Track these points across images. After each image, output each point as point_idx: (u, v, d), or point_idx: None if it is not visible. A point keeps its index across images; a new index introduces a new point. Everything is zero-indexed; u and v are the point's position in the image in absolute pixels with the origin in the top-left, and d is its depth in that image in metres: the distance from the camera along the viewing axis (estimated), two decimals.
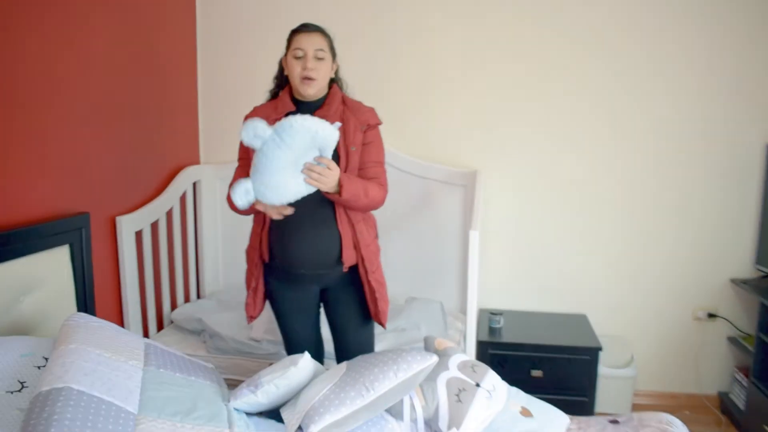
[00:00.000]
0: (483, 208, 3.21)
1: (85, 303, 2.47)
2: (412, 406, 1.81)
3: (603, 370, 3.11)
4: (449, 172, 3.27)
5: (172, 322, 3.15)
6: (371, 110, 2.16)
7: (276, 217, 1.95)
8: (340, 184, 1.94)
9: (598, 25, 3.14)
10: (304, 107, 2.07)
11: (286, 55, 2.10)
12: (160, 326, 3.14)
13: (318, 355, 2.39)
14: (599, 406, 3.16)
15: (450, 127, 3.33)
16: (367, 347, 2.31)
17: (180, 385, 1.69)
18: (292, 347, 2.33)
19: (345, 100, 2.14)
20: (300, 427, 1.62)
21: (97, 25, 2.58)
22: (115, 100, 2.72)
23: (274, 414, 1.79)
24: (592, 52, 3.17)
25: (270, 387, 1.71)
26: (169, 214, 3.16)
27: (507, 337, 3.05)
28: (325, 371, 1.87)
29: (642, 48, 3.13)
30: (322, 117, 1.91)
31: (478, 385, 1.91)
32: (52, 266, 2.29)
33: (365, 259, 2.12)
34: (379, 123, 2.16)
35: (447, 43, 3.27)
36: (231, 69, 3.47)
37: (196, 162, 3.53)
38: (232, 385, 2.77)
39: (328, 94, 2.12)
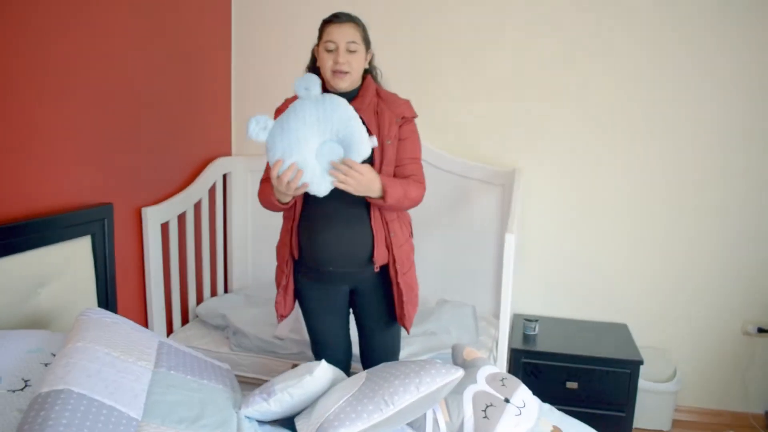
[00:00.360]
0: (521, 208, 3.08)
1: (107, 296, 2.42)
2: (435, 421, 1.69)
3: (643, 383, 2.94)
4: (487, 170, 3.13)
5: (197, 316, 3.08)
6: (407, 102, 2.06)
7: (284, 191, 1.82)
8: (383, 190, 1.86)
9: (646, 20, 2.96)
10: None
11: (318, 45, 2.01)
12: (185, 320, 3.08)
13: (345, 358, 2.29)
14: (638, 422, 3.00)
15: (489, 124, 3.18)
16: (392, 351, 2.22)
17: (190, 389, 1.61)
18: (319, 348, 2.24)
19: (379, 92, 2.04)
20: None
21: (127, 10, 2.52)
22: (144, 89, 2.66)
23: (288, 422, 1.70)
24: (642, 47, 2.98)
25: (283, 395, 1.61)
26: (197, 206, 3.10)
27: (542, 346, 2.90)
28: (345, 379, 1.76)
29: (707, 44, 2.94)
30: (355, 108, 1.86)
31: (507, 400, 1.78)
32: (72, 258, 2.24)
33: (397, 260, 2.03)
34: (414, 116, 2.06)
35: (488, 36, 3.12)
36: (266, 59, 3.39)
37: (228, 153, 3.46)
38: (254, 383, 2.71)
39: (361, 85, 2.03)
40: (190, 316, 3.10)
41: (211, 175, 3.17)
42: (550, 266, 3.26)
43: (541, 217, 3.21)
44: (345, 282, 2.09)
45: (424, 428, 1.69)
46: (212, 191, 3.24)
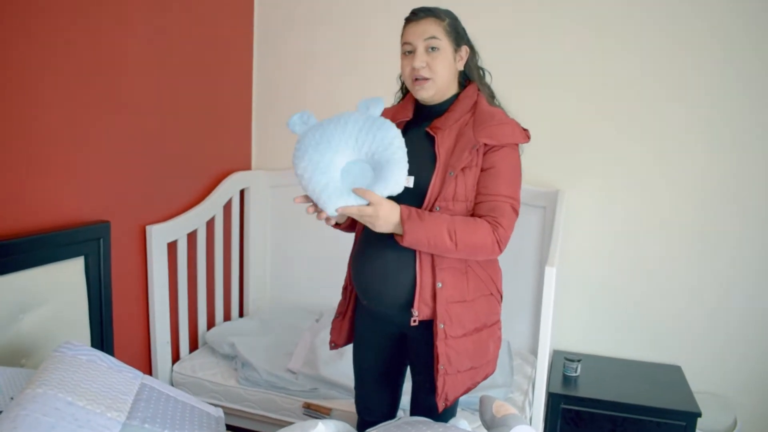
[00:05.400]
0: (565, 231, 2.77)
1: (101, 323, 2.20)
2: None
3: None
4: (527, 191, 2.82)
5: (206, 342, 2.85)
6: (506, 125, 1.63)
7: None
8: (401, 224, 1.52)
9: (697, 28, 2.63)
10: (423, 112, 1.69)
11: None
12: (194, 346, 2.85)
13: (383, 410, 1.93)
14: None
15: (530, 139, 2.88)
16: (442, 417, 1.80)
17: None
18: (357, 390, 1.94)
19: (477, 107, 1.66)
20: None
21: (139, 15, 2.32)
22: (154, 97, 2.46)
23: None
24: (697, 54, 2.65)
25: None
26: (210, 224, 2.87)
27: (584, 390, 2.57)
28: None
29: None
30: (438, 128, 1.62)
31: None
32: (62, 281, 2.02)
33: (440, 317, 1.61)
34: (508, 143, 1.61)
35: (524, 45, 2.84)
36: (288, 66, 3.18)
37: (247, 167, 3.24)
38: (262, 421, 2.47)
39: (458, 95, 1.69)
40: (200, 342, 2.87)
41: (227, 190, 2.95)
42: (595, 297, 2.93)
43: (586, 243, 2.89)
44: (390, 324, 1.75)
45: None
46: (228, 207, 3.02)
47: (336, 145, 1.52)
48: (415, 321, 1.63)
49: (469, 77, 1.72)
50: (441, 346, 1.62)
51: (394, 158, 1.51)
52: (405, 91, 1.81)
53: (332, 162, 1.52)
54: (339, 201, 1.51)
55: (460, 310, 1.64)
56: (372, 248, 1.68)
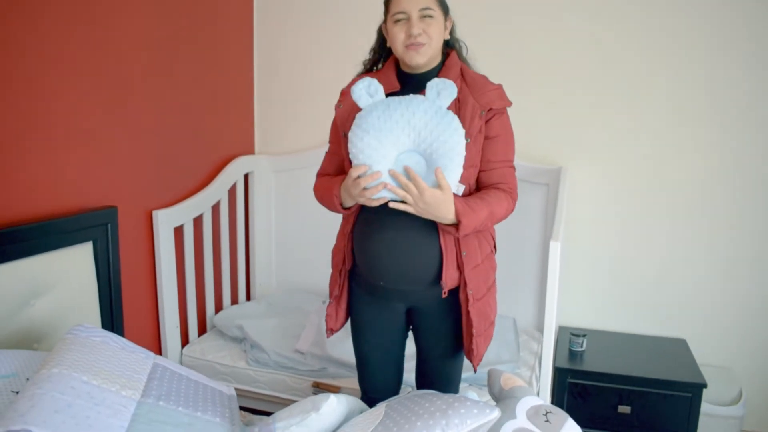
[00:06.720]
0: (568, 208, 2.78)
1: (111, 307, 2.22)
2: None
3: (705, 407, 2.60)
4: (529, 168, 2.84)
5: (215, 326, 2.88)
6: (498, 89, 1.68)
7: (356, 196, 1.56)
8: (457, 219, 1.54)
9: (711, 12, 2.63)
10: (411, 82, 1.67)
11: (385, 21, 1.70)
12: (202, 330, 2.88)
13: (391, 387, 1.95)
14: None
15: (531, 116, 2.88)
16: (449, 381, 1.87)
17: (178, 424, 1.39)
18: (361, 370, 1.95)
19: (464, 73, 1.69)
20: None
21: (141, 1, 2.33)
22: (159, 81, 2.47)
23: None
24: (706, 37, 2.65)
25: None
26: (215, 208, 2.89)
27: (590, 364, 2.60)
28: (363, 411, 1.52)
29: None
30: None
31: None
32: (72, 266, 2.04)
33: (469, 284, 1.67)
34: (507, 105, 1.69)
35: (530, 21, 2.84)
36: (289, 51, 3.17)
37: (250, 152, 3.25)
38: (272, 401, 2.50)
39: (443, 63, 1.70)
40: (208, 325, 2.90)
41: (231, 174, 2.97)
42: (599, 273, 2.95)
43: (589, 219, 2.91)
44: (400, 300, 1.77)
45: None
46: (232, 192, 3.03)
47: (397, 137, 1.52)
48: (445, 293, 1.68)
49: (452, 47, 1.74)
50: (472, 311, 1.68)
51: (452, 165, 1.52)
52: (372, 63, 1.83)
53: (389, 152, 1.52)
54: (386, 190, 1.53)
55: (479, 273, 1.70)
56: (389, 230, 1.66)
